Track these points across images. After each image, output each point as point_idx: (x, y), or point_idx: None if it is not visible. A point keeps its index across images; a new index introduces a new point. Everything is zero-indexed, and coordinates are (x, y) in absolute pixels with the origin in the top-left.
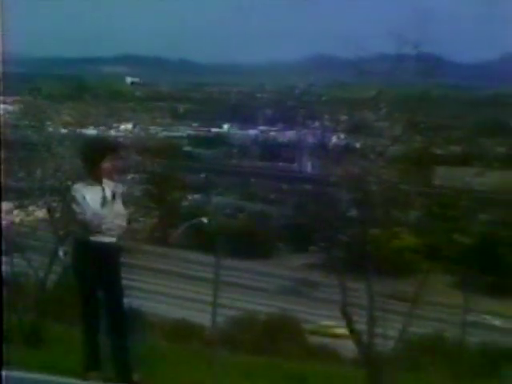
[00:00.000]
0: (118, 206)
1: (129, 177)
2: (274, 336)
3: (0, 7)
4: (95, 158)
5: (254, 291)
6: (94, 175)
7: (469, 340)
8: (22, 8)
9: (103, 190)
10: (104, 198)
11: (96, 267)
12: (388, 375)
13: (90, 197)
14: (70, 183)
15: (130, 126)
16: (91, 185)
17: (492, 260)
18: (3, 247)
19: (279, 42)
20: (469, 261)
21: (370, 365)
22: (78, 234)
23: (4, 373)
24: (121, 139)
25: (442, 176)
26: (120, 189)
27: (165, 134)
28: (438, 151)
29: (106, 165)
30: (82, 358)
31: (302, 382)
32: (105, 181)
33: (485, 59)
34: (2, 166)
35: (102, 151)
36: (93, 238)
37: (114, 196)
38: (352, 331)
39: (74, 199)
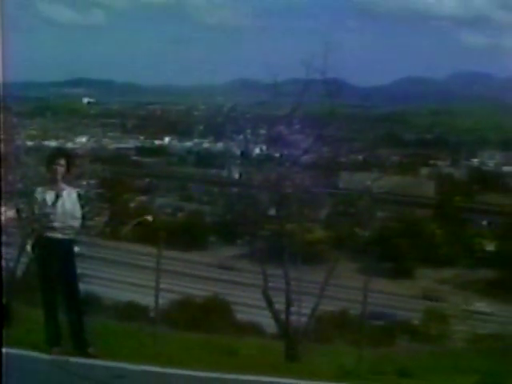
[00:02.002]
0: (71, 208)
1: (84, 182)
2: (208, 315)
3: None
4: (50, 164)
5: (191, 278)
6: (51, 180)
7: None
8: None
9: (57, 192)
10: (56, 200)
11: (52, 259)
12: (302, 346)
13: (47, 199)
14: (33, 187)
15: (85, 139)
16: (50, 189)
17: (388, 249)
18: None
19: (210, 68)
20: (369, 250)
21: (288, 338)
22: (37, 231)
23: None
24: (78, 150)
25: (346, 180)
26: (74, 192)
27: (115, 145)
28: (343, 160)
29: (60, 169)
30: (44, 335)
31: (233, 354)
32: (62, 185)
33: (381, 83)
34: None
35: (56, 158)
36: (48, 235)
37: (66, 198)
38: (272, 310)
39: (35, 201)
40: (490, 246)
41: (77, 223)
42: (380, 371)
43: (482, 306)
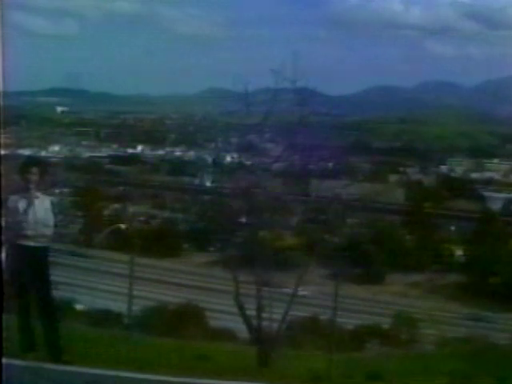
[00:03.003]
0: (43, 216)
1: (57, 190)
2: (182, 321)
3: None
4: (23, 173)
5: (164, 284)
6: (24, 188)
7: (341, 321)
8: None
9: (30, 200)
10: (29, 208)
11: (25, 267)
12: (274, 351)
13: (19, 206)
14: (6, 196)
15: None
16: (23, 197)
17: (358, 255)
18: None
19: (181, 78)
20: (338, 256)
21: (259, 343)
22: (11, 238)
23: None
24: (51, 159)
25: (317, 187)
26: (47, 200)
27: (89, 154)
28: (313, 167)
29: (33, 178)
30: (19, 342)
31: (205, 359)
32: (35, 193)
33: (350, 92)
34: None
35: (29, 166)
36: (22, 243)
37: (39, 206)
38: (244, 316)
39: (8, 209)
40: (459, 251)
41: (50, 231)
42: (350, 375)
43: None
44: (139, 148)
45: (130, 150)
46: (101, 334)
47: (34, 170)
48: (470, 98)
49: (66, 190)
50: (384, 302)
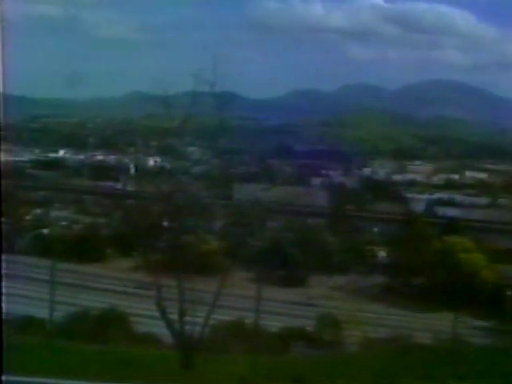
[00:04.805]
0: None
1: None
2: (105, 327)
3: None
4: None
5: (88, 290)
6: None
7: (265, 324)
8: None
9: None
10: None
11: None
12: (198, 355)
13: None
14: None
15: None
16: None
17: (281, 258)
18: None
19: (103, 82)
20: (261, 259)
21: (182, 347)
22: None
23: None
24: None
25: (238, 191)
26: None
27: (9, 158)
28: (235, 171)
29: None
30: None
31: (128, 364)
32: None
33: (272, 95)
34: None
35: None
36: None
37: None
38: (166, 320)
39: None
40: (382, 253)
41: None
42: (275, 378)
43: None
44: (61, 152)
45: (52, 154)
46: (24, 341)
47: None
48: (391, 100)
49: None
50: (308, 304)
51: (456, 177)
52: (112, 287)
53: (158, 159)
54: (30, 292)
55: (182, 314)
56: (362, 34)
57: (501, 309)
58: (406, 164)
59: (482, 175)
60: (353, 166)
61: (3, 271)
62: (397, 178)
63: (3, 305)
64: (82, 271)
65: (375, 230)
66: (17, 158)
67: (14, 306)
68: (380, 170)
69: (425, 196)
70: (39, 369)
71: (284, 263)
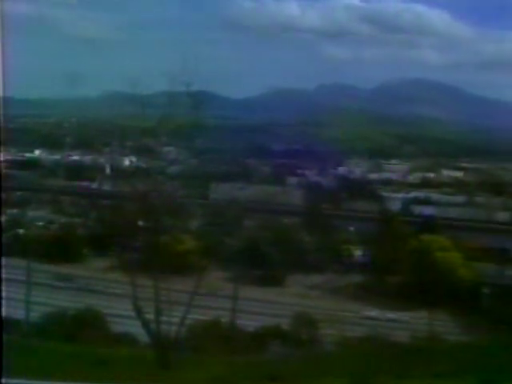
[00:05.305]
0: None
1: None
2: (81, 327)
3: None
4: None
5: (63, 290)
6: None
7: (241, 323)
8: None
9: None
10: None
11: None
12: (175, 355)
13: None
14: None
15: None
16: None
17: (258, 257)
18: None
19: (80, 81)
20: (237, 259)
21: (159, 347)
22: None
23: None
24: None
25: (214, 190)
26: None
27: None
28: (211, 170)
29: None
30: None
31: (104, 364)
32: None
33: (249, 95)
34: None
35: None
36: None
37: None
38: (142, 320)
39: None
40: (358, 252)
41: None
42: (251, 377)
43: None
44: (37, 152)
45: (28, 154)
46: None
47: None
48: (367, 100)
49: None
50: (284, 303)
51: (432, 175)
52: (88, 287)
53: (134, 159)
54: (5, 293)
55: (158, 313)
56: (338, 34)
57: (477, 306)
58: (382, 163)
59: (458, 173)
60: (329, 165)
61: None
62: (373, 176)
63: None
64: (57, 271)
65: (351, 228)
66: None
67: None
68: (356, 169)
69: (401, 195)
70: (11, 369)
71: (261, 262)
